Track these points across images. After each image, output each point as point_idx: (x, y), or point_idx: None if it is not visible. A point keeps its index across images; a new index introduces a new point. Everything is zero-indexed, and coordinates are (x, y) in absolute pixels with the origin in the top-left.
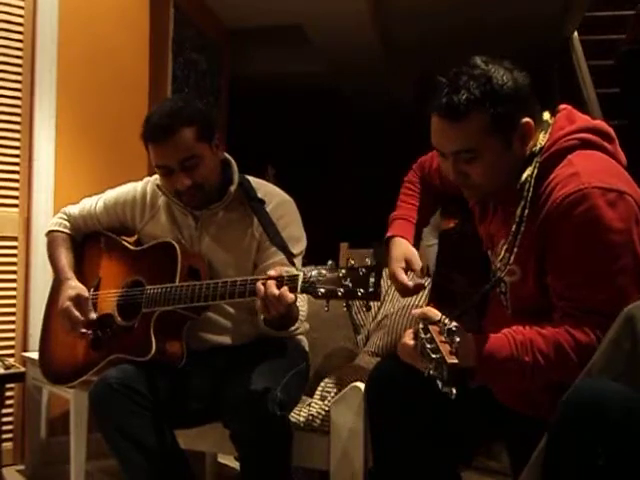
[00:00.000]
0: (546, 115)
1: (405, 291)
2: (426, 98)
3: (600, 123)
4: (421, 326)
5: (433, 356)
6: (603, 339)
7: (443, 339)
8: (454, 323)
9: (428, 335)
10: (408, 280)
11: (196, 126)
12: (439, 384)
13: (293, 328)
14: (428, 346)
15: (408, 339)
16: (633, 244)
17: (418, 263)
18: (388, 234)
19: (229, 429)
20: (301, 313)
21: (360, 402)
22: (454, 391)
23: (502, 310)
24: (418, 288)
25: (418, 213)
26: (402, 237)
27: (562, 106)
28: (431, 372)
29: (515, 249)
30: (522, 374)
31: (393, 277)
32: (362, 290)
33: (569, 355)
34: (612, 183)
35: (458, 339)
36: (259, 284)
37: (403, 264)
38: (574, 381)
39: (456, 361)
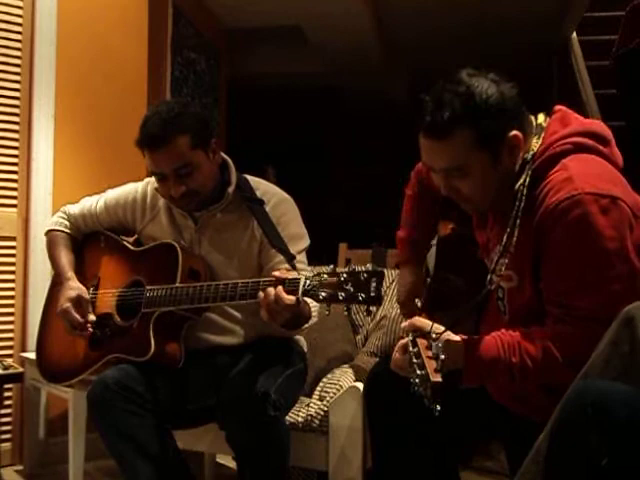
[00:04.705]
0: (541, 117)
1: (410, 317)
2: (420, 99)
3: (595, 125)
4: (410, 338)
5: (418, 372)
6: (601, 340)
7: (430, 354)
8: (444, 335)
9: (415, 349)
10: (415, 308)
11: (191, 134)
12: (424, 401)
13: (307, 325)
14: (415, 360)
15: (398, 354)
16: (626, 250)
17: (419, 298)
18: (398, 259)
19: (224, 430)
20: (313, 310)
21: (359, 402)
22: (438, 408)
23: (499, 316)
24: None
25: (421, 229)
26: (409, 263)
27: (557, 108)
28: (416, 388)
29: (506, 259)
30: (510, 375)
31: (403, 307)
32: (363, 295)
33: (557, 359)
34: (605, 189)
35: (443, 357)
36: (259, 292)
37: (411, 294)
38: (565, 383)
39: (440, 380)
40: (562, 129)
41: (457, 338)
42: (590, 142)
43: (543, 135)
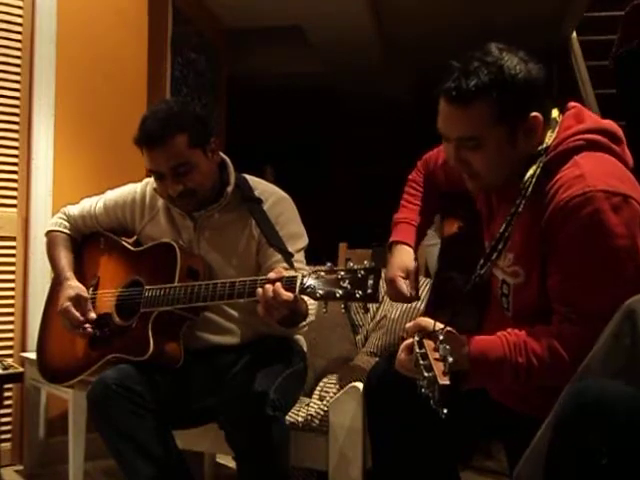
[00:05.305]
0: (555, 112)
1: (399, 298)
2: (424, 101)
3: (609, 123)
4: (416, 339)
5: (426, 374)
6: (603, 333)
7: (437, 356)
8: (449, 330)
9: (422, 350)
10: (405, 289)
11: (189, 133)
12: (431, 402)
13: (305, 323)
14: (422, 362)
15: (404, 354)
16: (636, 249)
17: (416, 277)
18: (392, 239)
19: (224, 430)
20: (310, 308)
21: (359, 402)
22: (445, 411)
23: (503, 315)
24: (411, 299)
25: (422, 215)
26: (406, 244)
27: (571, 104)
28: (423, 390)
29: (500, 244)
30: (515, 375)
31: (391, 283)
32: (360, 292)
33: (563, 358)
34: (617, 187)
35: (451, 359)
36: (258, 289)
37: (404, 274)
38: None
39: (448, 382)
40: (577, 125)
41: (462, 339)
42: (603, 140)
43: (557, 129)
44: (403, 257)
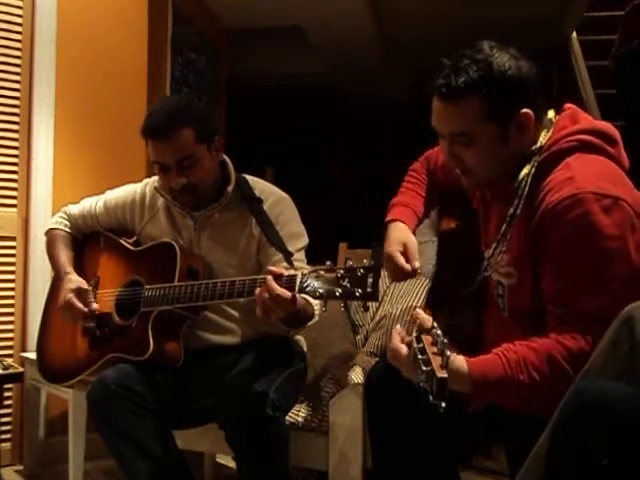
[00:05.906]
0: (551, 113)
1: (399, 274)
2: (424, 101)
3: (603, 125)
4: (414, 334)
5: (424, 368)
6: (601, 339)
7: (435, 350)
8: (450, 363)
9: (420, 345)
10: (404, 263)
11: (196, 127)
12: (429, 396)
13: (311, 323)
14: (420, 357)
15: (398, 343)
16: (627, 250)
17: (415, 251)
18: (389, 218)
19: (224, 430)
20: (315, 307)
21: (359, 402)
22: (443, 404)
23: (501, 316)
24: (412, 274)
25: (421, 202)
26: (402, 222)
27: (567, 105)
28: (421, 384)
29: (503, 246)
30: (517, 393)
31: (390, 259)
32: (360, 290)
33: (562, 366)
34: (608, 189)
35: (449, 353)
36: (257, 288)
37: (401, 248)
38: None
39: (446, 375)
40: (571, 125)
41: (461, 360)
42: (597, 141)
43: (552, 129)
44: (399, 233)
